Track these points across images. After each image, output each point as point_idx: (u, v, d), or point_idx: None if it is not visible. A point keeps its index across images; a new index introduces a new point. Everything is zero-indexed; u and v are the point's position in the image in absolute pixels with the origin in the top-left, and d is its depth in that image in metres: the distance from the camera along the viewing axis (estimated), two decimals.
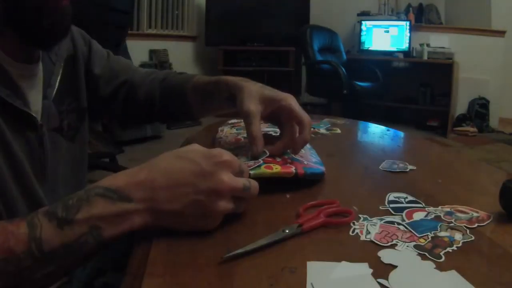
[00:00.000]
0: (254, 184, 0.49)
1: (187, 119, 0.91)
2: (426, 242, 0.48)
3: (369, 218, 0.56)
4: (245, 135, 0.86)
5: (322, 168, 0.72)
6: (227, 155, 0.46)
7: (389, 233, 0.51)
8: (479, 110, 4.49)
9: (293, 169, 0.66)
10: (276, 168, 0.66)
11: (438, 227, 0.52)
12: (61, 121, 0.70)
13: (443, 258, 0.45)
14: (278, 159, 0.69)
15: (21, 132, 0.60)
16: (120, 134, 3.21)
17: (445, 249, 0.47)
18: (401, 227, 0.53)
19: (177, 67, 4.37)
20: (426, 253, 0.46)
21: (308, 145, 0.86)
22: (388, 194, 0.65)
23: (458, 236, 0.50)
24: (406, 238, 0.50)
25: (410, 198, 0.64)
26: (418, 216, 0.57)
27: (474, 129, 4.33)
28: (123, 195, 0.41)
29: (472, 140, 4.08)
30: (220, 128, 0.99)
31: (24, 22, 0.56)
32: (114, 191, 0.42)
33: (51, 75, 0.68)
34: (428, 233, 0.51)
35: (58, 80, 0.69)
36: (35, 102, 0.64)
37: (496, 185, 0.61)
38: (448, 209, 0.59)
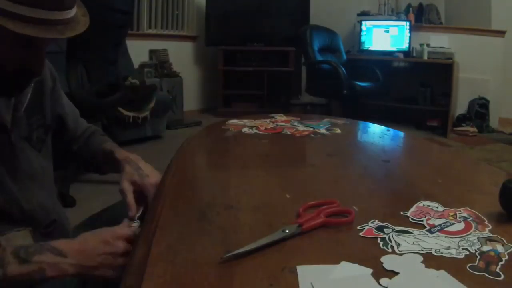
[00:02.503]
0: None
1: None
2: (477, 260, 0.46)
3: (388, 226, 0.55)
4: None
5: None
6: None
7: (422, 212, 0.58)
8: (479, 110, 4.48)
9: None
10: None
11: (478, 241, 0.50)
12: (30, 132, 0.79)
13: (502, 276, 0.43)
14: None
15: None
16: (120, 134, 3.21)
17: (498, 264, 0.45)
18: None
19: (177, 67, 4.36)
20: (485, 274, 0.43)
21: None
22: (419, 202, 0.63)
23: (500, 248, 0.49)
24: (438, 216, 0.57)
25: (441, 208, 0.61)
26: (439, 222, 0.56)
27: (474, 129, 4.32)
28: (62, 252, 0.62)
29: (472, 140, 4.07)
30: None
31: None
32: (59, 250, 0.62)
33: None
34: (468, 248, 0.49)
35: (28, 97, 0.78)
36: (6, 113, 0.73)
37: (496, 185, 0.61)
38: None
